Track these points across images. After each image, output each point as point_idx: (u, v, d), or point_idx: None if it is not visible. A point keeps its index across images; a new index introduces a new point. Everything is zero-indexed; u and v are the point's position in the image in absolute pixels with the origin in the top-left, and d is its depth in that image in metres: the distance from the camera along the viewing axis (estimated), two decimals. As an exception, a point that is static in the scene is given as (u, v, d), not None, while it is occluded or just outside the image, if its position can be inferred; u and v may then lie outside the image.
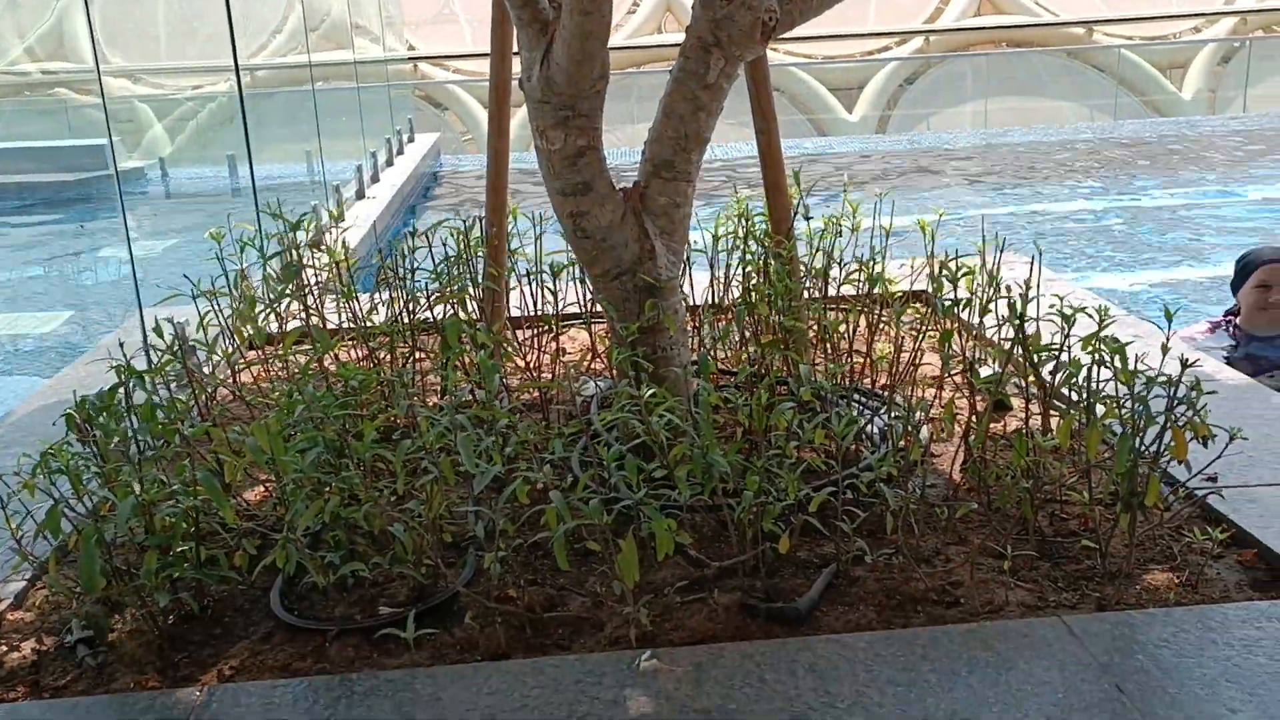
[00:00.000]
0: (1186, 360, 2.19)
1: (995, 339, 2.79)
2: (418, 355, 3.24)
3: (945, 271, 2.83)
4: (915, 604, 2.19)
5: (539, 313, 3.51)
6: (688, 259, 3.40)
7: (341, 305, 3.43)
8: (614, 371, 2.98)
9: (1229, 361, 4.25)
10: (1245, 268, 4.38)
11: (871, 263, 3.06)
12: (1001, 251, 3.15)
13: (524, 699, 1.91)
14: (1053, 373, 2.53)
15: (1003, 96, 17.98)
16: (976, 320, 3.08)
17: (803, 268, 3.32)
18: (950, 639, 2.04)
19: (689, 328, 3.21)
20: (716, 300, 3.47)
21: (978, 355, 2.98)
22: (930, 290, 2.96)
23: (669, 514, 2.20)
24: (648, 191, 2.89)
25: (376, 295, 3.40)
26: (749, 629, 2.13)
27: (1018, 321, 2.53)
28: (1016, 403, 3.06)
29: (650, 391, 2.27)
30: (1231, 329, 4.44)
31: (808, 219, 3.31)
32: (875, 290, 3.12)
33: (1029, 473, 2.37)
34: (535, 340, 3.48)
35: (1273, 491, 2.52)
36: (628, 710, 1.87)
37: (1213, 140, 12.14)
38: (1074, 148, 12.05)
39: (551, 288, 3.36)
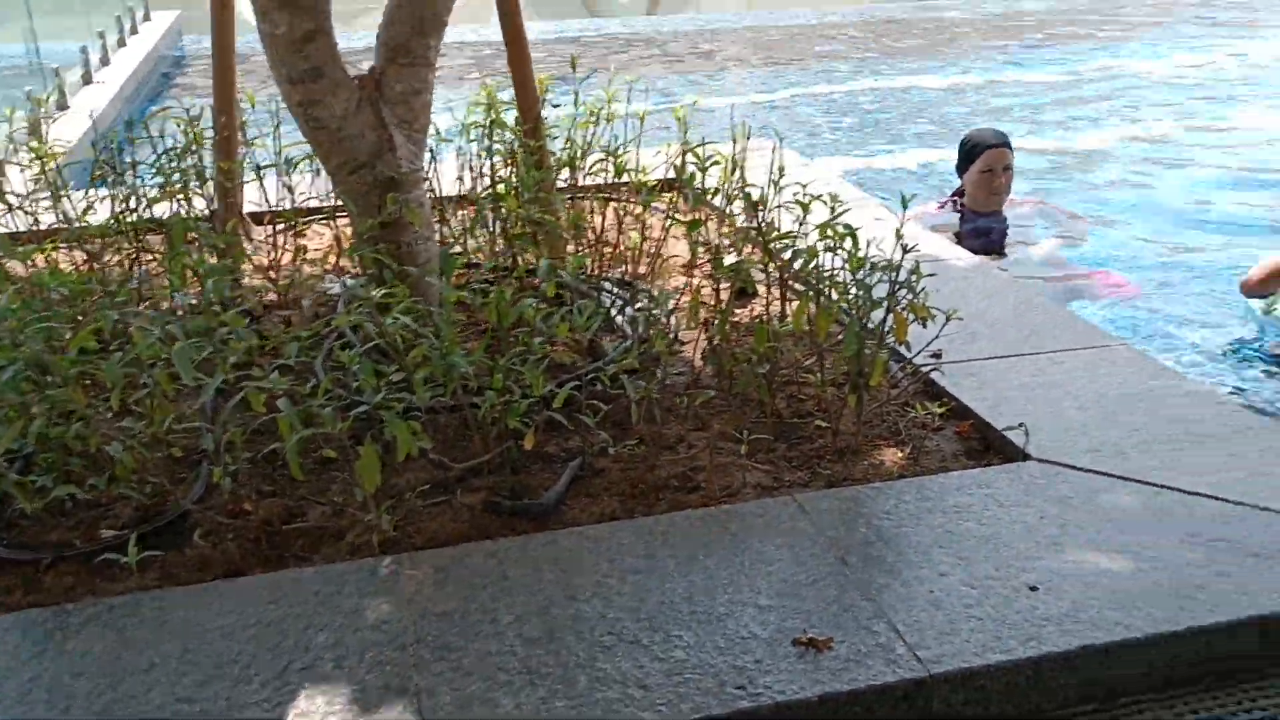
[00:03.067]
0: (907, 246, 2.29)
1: (740, 227, 2.84)
2: (145, 258, 3.01)
3: (692, 159, 2.83)
4: (658, 492, 2.24)
5: (280, 209, 3.32)
6: (434, 150, 3.28)
7: (56, 205, 3.14)
8: (362, 269, 2.86)
9: (959, 236, 4.50)
10: (970, 152, 4.59)
11: (620, 151, 3.03)
12: (749, 138, 3.18)
13: (259, 615, 1.84)
14: (790, 260, 2.60)
15: (770, -22, 18.15)
16: (728, 208, 3.12)
17: (554, 157, 3.27)
18: (689, 523, 2.09)
19: (435, 222, 3.12)
20: (465, 192, 3.37)
21: (725, 243, 3.02)
22: (678, 179, 2.97)
23: (412, 417, 2.15)
24: (384, 78, 2.75)
25: (93, 192, 3.13)
26: (494, 528, 2.13)
27: (756, 210, 2.57)
28: (764, 289, 3.14)
29: (382, 291, 2.19)
30: (958, 207, 4.68)
31: (555, 106, 3.24)
32: (624, 180, 3.10)
33: (766, 358, 2.44)
34: (276, 238, 3.29)
35: (989, 364, 2.70)
36: (368, 619, 1.84)
37: (968, 22, 12.65)
38: (840, 29, 12.32)
39: (288, 182, 3.17)
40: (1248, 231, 5.22)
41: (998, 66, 9.90)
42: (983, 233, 4.56)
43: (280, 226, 3.28)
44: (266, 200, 3.32)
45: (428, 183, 3.07)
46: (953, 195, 4.80)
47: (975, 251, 4.20)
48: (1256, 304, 4.00)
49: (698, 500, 2.21)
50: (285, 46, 2.60)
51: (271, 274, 3.05)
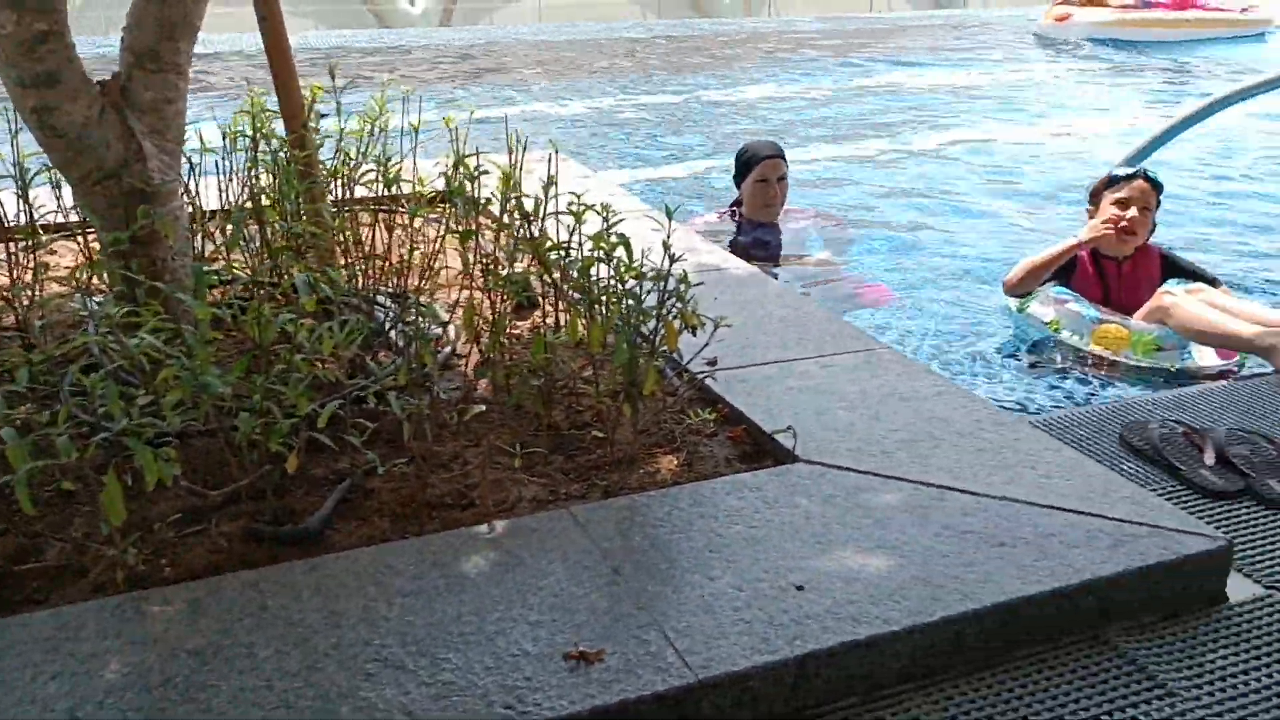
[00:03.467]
0: (676, 255, 2.31)
1: (515, 238, 2.80)
2: None
3: (462, 170, 2.78)
4: (431, 510, 2.18)
5: (20, 223, 3.07)
6: (194, 162, 3.12)
7: None
8: (110, 288, 2.68)
9: (737, 245, 4.62)
10: (746, 163, 4.74)
11: (387, 161, 2.95)
12: (525, 149, 3.16)
13: (-18, 667, 1.69)
14: (565, 270, 2.58)
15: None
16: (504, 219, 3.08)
17: (325, 168, 3.15)
18: (461, 542, 2.04)
19: (196, 237, 2.96)
20: (228, 205, 3.21)
21: (501, 254, 2.98)
22: (451, 189, 2.91)
23: (164, 443, 2.02)
24: (130, 85, 2.59)
25: None
26: (256, 556, 2.02)
27: (530, 221, 2.55)
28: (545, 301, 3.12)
29: (124, 309, 2.05)
30: (737, 217, 4.81)
31: (323, 116, 3.13)
32: (394, 191, 3.02)
33: (541, 369, 2.41)
34: (16, 256, 3.04)
35: (761, 370, 2.76)
36: (109, 662, 1.70)
37: (746, 40, 13.06)
38: (625, 43, 12.49)
39: (21, 193, 2.94)
40: (1007, 234, 5.56)
41: (775, 81, 10.26)
42: (761, 243, 4.69)
43: (22, 243, 3.04)
44: (3, 216, 3.07)
45: (186, 195, 2.90)
46: (731, 205, 4.93)
47: (753, 261, 4.31)
48: (1012, 303, 4.26)
49: (472, 517, 2.16)
50: (14, 47, 2.40)
51: (7, 294, 2.81)
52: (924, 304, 4.45)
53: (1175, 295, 3.82)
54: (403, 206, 3.17)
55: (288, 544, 2.05)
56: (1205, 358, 3.78)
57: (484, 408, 2.32)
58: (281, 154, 3.05)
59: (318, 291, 2.31)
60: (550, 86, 9.90)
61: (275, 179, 2.99)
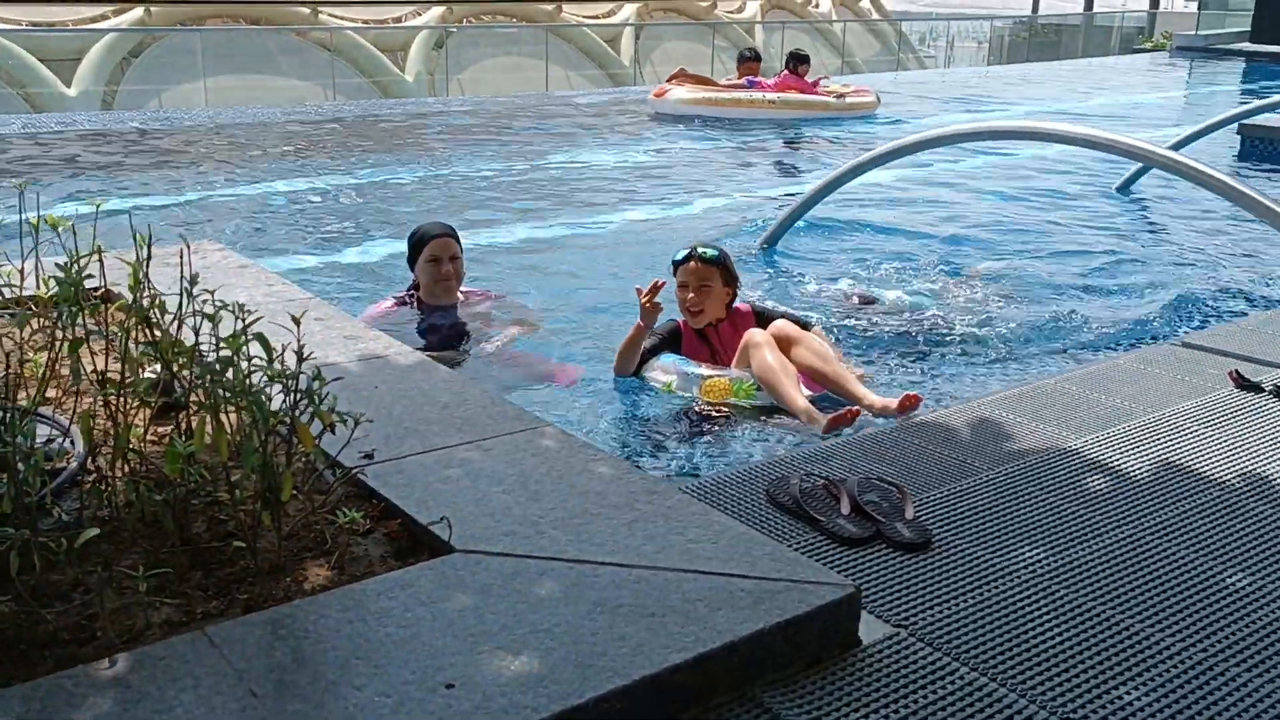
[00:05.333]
0: (304, 355, 2.23)
1: (143, 341, 2.62)
2: None
3: (67, 273, 2.57)
4: (44, 649, 1.97)
5: None
6: None
7: None
8: None
9: (417, 331, 4.56)
10: (417, 244, 4.72)
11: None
12: (151, 245, 2.97)
13: None
14: (194, 373, 2.44)
15: (233, 73, 17.69)
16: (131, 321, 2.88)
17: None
18: (76, 683, 1.86)
19: None
20: None
21: (136, 359, 2.78)
22: (60, 295, 2.68)
23: None
24: None
25: None
26: None
27: (151, 323, 2.40)
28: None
29: None
30: (415, 302, 4.76)
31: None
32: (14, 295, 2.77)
33: (170, 481, 2.26)
34: None
35: (419, 460, 2.71)
36: None
37: (419, 120, 13.08)
38: (300, 126, 12.20)
39: None
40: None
41: (447, 162, 10.31)
42: (437, 329, 4.65)
43: None
44: None
45: None
46: (409, 290, 4.87)
47: (432, 348, 4.27)
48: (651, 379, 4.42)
49: (93, 652, 1.97)
50: None
51: None
52: (596, 379, 4.54)
53: (756, 336, 4.16)
54: (14, 311, 2.90)
55: None
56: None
57: (98, 531, 2.13)
58: None
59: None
60: (223, 173, 9.50)
61: None
